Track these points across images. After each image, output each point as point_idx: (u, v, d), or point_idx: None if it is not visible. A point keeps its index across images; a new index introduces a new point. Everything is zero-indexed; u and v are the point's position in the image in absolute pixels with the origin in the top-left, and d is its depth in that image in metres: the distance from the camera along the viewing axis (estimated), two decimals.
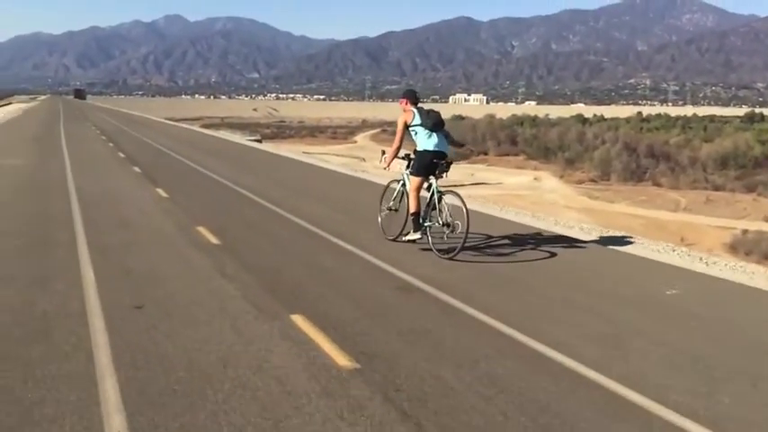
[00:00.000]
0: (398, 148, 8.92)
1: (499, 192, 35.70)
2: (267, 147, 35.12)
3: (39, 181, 15.32)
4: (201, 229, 9.53)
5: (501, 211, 12.89)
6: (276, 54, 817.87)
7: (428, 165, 8.57)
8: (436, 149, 8.56)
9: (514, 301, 6.49)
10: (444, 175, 8.74)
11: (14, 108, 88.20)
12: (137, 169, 17.74)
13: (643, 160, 45.98)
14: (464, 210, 8.15)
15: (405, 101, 8.89)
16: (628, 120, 77.48)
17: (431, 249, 8.34)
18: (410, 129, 8.75)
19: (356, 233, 9.56)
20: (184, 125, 60.81)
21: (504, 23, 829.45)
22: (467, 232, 8.08)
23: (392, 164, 9.16)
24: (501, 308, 6.21)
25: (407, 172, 8.94)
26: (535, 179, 47.22)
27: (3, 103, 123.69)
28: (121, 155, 22.48)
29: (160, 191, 13.54)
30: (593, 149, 50.52)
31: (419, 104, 8.92)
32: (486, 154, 61.33)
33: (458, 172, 48.64)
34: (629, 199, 38.95)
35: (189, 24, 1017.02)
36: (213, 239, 8.91)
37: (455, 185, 30.84)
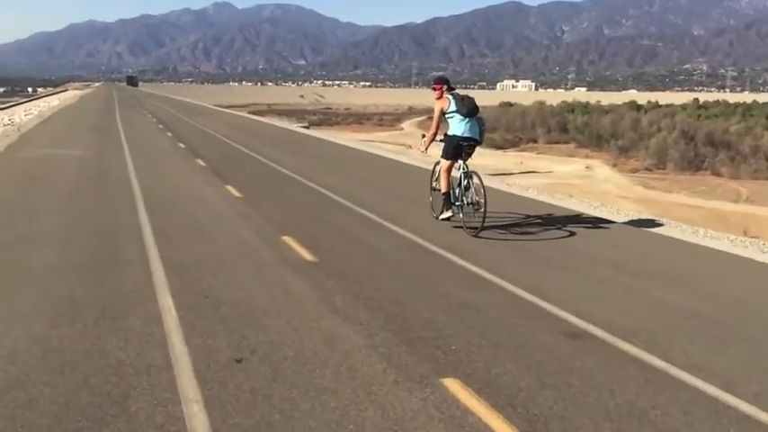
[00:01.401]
0: (435, 134, 9.39)
1: (549, 180, 33.90)
2: (324, 135, 33.69)
3: (99, 176, 14.20)
4: (289, 240, 8.10)
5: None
6: (323, 40, 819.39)
7: (455, 148, 9.02)
8: (465, 135, 8.98)
9: (723, 353, 4.83)
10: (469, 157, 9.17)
11: (70, 95, 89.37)
12: (201, 162, 16.49)
13: (701, 149, 43.70)
14: (482, 189, 8.66)
15: (440, 87, 9.22)
16: (684, 106, 73.33)
17: (462, 227, 8.80)
18: (446, 115, 9.11)
19: (478, 250, 8.00)
20: (235, 112, 60.17)
21: (554, 8, 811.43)
22: (485, 210, 8.57)
23: (430, 147, 9.61)
24: (715, 366, 4.58)
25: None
26: (587, 168, 45.49)
27: (59, 90, 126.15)
28: (182, 145, 21.36)
29: (231, 189, 12.19)
30: (648, 137, 48.45)
31: (453, 90, 9.29)
32: (535, 142, 59.77)
33: (506, 160, 47.24)
34: (686, 189, 37.12)
35: (237, 12, 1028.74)
36: (306, 255, 7.46)
37: (503, 174, 29.27)
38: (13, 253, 7.50)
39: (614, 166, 45.55)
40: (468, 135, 9.00)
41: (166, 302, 5.77)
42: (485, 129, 9.45)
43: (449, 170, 9.13)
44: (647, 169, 43.00)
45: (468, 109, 8.96)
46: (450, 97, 9.09)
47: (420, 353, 4.77)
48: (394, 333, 5.15)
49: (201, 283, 6.39)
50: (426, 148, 9.61)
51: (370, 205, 10.77)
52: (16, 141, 22.44)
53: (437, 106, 9.23)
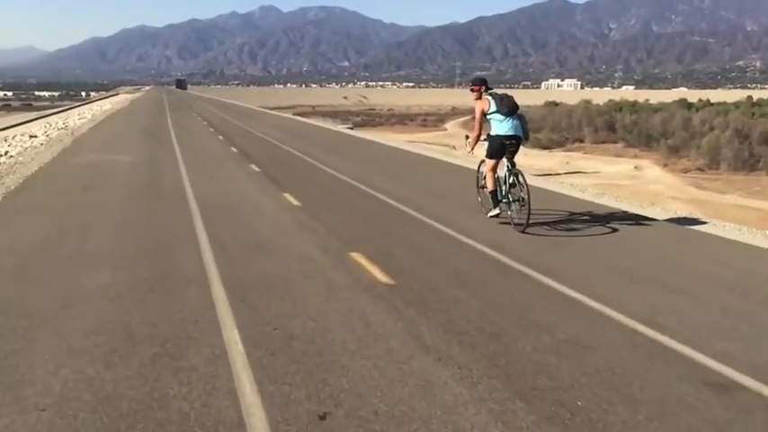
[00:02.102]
0: (479, 135, 9.44)
1: (596, 181, 32.74)
2: (369, 136, 32.94)
3: (153, 183, 13.75)
4: (359, 258, 7.34)
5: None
6: (366, 42, 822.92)
7: (499, 148, 9.14)
8: (508, 133, 9.07)
9: None
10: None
11: (122, 98, 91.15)
12: (255, 167, 15.91)
13: (756, 148, 41.78)
14: (525, 186, 8.83)
15: (478, 88, 9.36)
16: (737, 104, 70.24)
17: (509, 223, 9.03)
18: (487, 116, 9.21)
19: (566, 267, 7.09)
20: (281, 114, 60.11)
21: (601, 5, 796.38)
22: (529, 207, 8.67)
23: (476, 148, 9.69)
24: None
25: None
26: (635, 168, 44.10)
27: (111, 93, 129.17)
28: (234, 149, 20.92)
29: (289, 197, 11.53)
30: (700, 136, 46.64)
31: (491, 90, 9.41)
32: (581, 141, 58.42)
33: (552, 160, 45.86)
34: (741, 189, 35.56)
35: (282, 15, 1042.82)
36: (380, 275, 6.68)
37: (548, 174, 28.01)
38: (65, 271, 6.94)
39: (664, 166, 44.14)
40: (512, 133, 9.11)
41: (232, 335, 5.07)
42: (528, 126, 9.49)
43: (494, 169, 9.31)
44: (699, 169, 41.52)
45: (509, 108, 9.10)
46: (490, 98, 9.22)
47: (540, 411, 3.93)
48: (501, 381, 4.32)
49: (268, 309, 5.68)
50: (472, 149, 9.76)
51: (433, 213, 9.96)
52: (70, 146, 22.40)
53: (477, 107, 9.33)
